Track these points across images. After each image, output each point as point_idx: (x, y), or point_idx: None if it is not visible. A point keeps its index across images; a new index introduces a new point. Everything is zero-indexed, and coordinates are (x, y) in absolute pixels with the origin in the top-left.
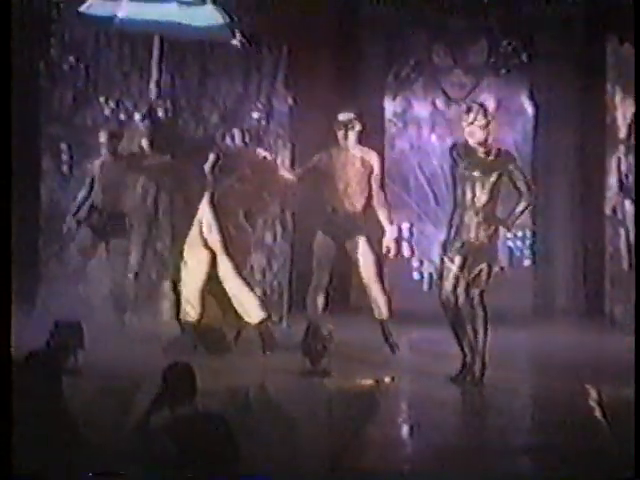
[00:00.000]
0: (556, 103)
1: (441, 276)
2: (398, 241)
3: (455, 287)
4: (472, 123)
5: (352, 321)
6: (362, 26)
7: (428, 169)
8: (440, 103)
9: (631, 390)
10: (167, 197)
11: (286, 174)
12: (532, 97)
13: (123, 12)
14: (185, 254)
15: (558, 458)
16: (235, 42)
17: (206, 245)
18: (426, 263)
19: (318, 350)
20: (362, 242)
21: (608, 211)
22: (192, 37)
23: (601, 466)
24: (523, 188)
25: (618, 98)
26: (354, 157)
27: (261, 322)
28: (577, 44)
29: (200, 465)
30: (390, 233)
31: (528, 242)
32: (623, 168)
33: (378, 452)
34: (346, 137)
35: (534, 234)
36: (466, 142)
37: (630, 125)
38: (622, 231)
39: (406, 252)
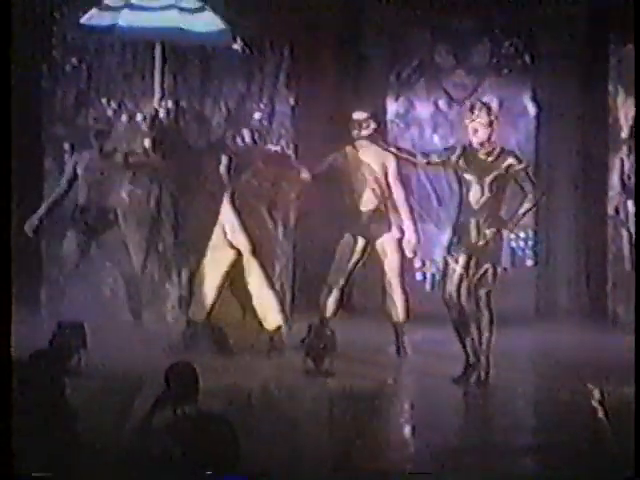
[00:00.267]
0: (558, 104)
1: (444, 276)
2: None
3: (459, 287)
4: (474, 120)
5: (355, 321)
6: (364, 26)
7: (430, 170)
8: (442, 104)
9: (632, 390)
10: (170, 198)
11: (302, 171)
12: (534, 98)
13: (124, 20)
14: (207, 258)
15: (559, 457)
16: (236, 47)
17: (231, 246)
18: (428, 263)
19: (321, 350)
20: (389, 240)
21: (610, 211)
22: (193, 43)
23: (601, 466)
24: (528, 189)
25: (620, 98)
26: (369, 156)
27: (276, 328)
28: (579, 45)
29: (203, 465)
30: (411, 233)
31: (530, 242)
32: (625, 168)
33: (380, 452)
34: (360, 136)
35: (536, 234)
36: (466, 145)
37: (632, 125)
38: (624, 231)
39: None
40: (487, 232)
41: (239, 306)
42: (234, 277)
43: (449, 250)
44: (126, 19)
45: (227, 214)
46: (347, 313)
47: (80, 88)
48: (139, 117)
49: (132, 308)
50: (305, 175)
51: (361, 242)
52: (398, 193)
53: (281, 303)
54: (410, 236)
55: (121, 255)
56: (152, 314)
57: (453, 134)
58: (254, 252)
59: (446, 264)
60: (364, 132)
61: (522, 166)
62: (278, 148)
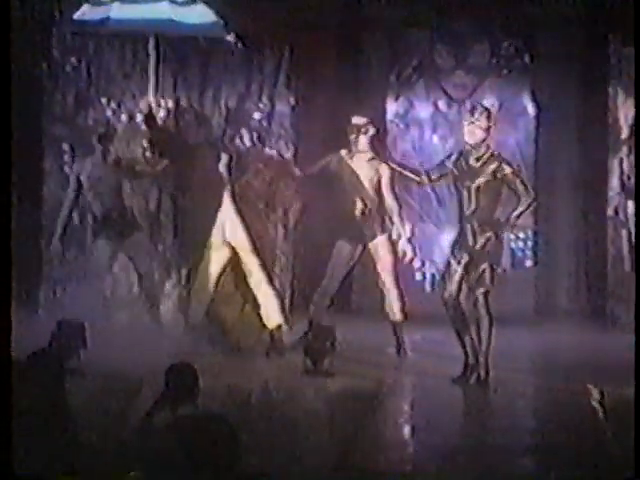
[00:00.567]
0: (558, 104)
1: (444, 276)
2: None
3: (459, 287)
4: (473, 122)
5: (354, 321)
6: (364, 27)
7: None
8: (442, 104)
9: (632, 390)
10: (169, 199)
11: (295, 170)
12: (534, 98)
13: (115, 14)
14: (206, 257)
15: (559, 458)
16: (230, 38)
17: (230, 246)
18: (428, 264)
19: (320, 350)
20: (382, 242)
21: (610, 212)
22: (186, 34)
23: (601, 466)
24: (520, 189)
25: (620, 99)
26: (365, 161)
27: (276, 327)
28: (579, 45)
29: (202, 465)
30: (404, 236)
31: (530, 243)
32: (625, 169)
33: (380, 452)
34: (358, 141)
35: (536, 235)
36: (462, 150)
37: (632, 126)
38: (624, 232)
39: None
40: (481, 238)
41: (239, 306)
42: (234, 277)
43: (453, 251)
44: (118, 12)
45: (227, 213)
46: (347, 313)
47: (80, 88)
48: (139, 117)
49: (149, 302)
50: (298, 173)
51: (354, 247)
52: (390, 200)
53: (281, 303)
54: (404, 245)
55: (140, 251)
56: (153, 314)
57: (452, 134)
58: (254, 251)
59: (448, 264)
60: (363, 137)
61: (510, 170)
62: (274, 152)
